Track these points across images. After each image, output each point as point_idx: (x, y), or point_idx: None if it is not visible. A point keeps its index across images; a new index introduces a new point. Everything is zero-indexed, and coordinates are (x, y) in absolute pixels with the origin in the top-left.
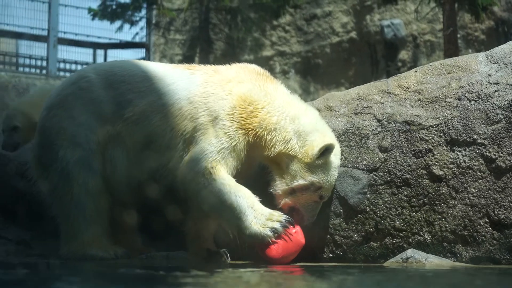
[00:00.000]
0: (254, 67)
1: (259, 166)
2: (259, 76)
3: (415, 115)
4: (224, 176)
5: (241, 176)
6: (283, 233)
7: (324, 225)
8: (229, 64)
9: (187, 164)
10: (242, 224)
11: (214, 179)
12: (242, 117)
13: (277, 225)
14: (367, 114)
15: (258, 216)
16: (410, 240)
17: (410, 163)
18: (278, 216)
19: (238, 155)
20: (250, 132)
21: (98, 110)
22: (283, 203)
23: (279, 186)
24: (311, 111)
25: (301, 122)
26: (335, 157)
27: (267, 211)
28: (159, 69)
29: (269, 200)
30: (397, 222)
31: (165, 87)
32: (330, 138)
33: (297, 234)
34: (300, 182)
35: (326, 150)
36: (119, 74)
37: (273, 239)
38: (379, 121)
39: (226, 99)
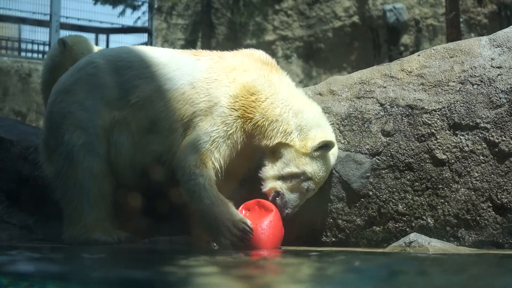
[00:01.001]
0: (260, 54)
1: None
2: (264, 65)
3: (418, 99)
4: (206, 174)
5: (235, 177)
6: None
7: (326, 209)
8: (233, 49)
9: (182, 150)
10: (215, 232)
11: (195, 173)
12: (243, 106)
13: (235, 239)
14: (369, 98)
15: (226, 234)
16: (413, 224)
17: (413, 147)
18: (244, 223)
19: (233, 143)
20: (250, 121)
21: (104, 95)
22: (269, 187)
23: (269, 171)
24: (315, 106)
25: (304, 116)
26: (332, 156)
27: (238, 216)
28: (165, 55)
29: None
30: (400, 206)
31: (170, 73)
32: (331, 136)
33: (274, 225)
34: (292, 169)
35: (326, 146)
36: (126, 60)
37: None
38: (381, 105)
39: (229, 86)
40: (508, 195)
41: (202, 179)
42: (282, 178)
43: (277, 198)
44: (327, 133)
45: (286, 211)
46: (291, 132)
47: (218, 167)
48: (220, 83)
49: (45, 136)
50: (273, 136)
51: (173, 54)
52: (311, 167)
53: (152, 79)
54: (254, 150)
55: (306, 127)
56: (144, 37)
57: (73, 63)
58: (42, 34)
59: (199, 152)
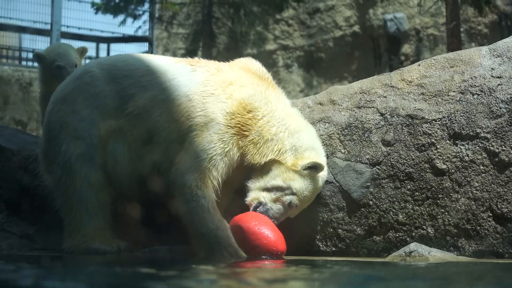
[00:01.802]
0: (256, 68)
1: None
2: (261, 80)
3: (418, 109)
4: (206, 194)
5: (231, 187)
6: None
7: (327, 219)
8: (232, 59)
9: (179, 167)
10: (211, 251)
11: (197, 194)
12: (239, 123)
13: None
14: (370, 108)
15: (228, 248)
16: (413, 234)
17: (413, 157)
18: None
19: (230, 160)
20: (245, 138)
21: (101, 104)
22: (252, 197)
23: (256, 182)
24: (311, 128)
25: (300, 137)
26: (320, 180)
27: (236, 246)
28: (162, 63)
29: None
30: (400, 216)
31: (166, 82)
32: (323, 160)
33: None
34: (278, 182)
35: (315, 167)
36: (122, 69)
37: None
38: (382, 114)
39: (226, 103)
40: (508, 205)
41: (204, 201)
42: (267, 189)
43: (258, 208)
44: (320, 156)
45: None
46: (285, 152)
47: (216, 185)
48: (217, 98)
49: (44, 146)
50: (266, 154)
51: (169, 62)
52: (298, 184)
53: (148, 88)
54: (240, 172)
55: (301, 148)
56: (145, 46)
57: (54, 74)
58: (43, 43)
59: (198, 170)
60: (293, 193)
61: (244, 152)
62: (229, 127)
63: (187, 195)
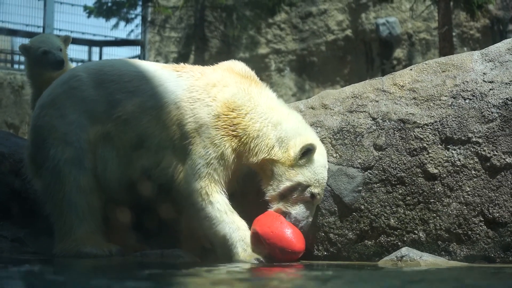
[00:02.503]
0: (240, 68)
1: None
2: (244, 78)
3: (410, 113)
4: (219, 199)
5: (233, 178)
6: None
7: (318, 223)
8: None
9: (184, 180)
10: (230, 253)
11: (210, 201)
12: (226, 124)
13: (262, 257)
14: (362, 112)
15: (247, 248)
16: (405, 239)
17: (405, 161)
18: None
19: (226, 162)
20: (235, 138)
21: (89, 108)
22: (274, 209)
23: (269, 192)
24: (293, 115)
25: (283, 127)
26: (321, 156)
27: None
28: (148, 69)
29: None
30: (392, 221)
31: (154, 89)
32: (312, 139)
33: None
34: (286, 184)
35: (308, 150)
36: (109, 73)
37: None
38: (374, 119)
39: (211, 106)
40: (499, 210)
41: (219, 206)
42: (282, 196)
43: (285, 217)
44: (307, 138)
45: (300, 225)
46: (273, 146)
47: (222, 188)
48: (203, 103)
49: (31, 151)
50: (257, 153)
51: (155, 68)
52: (303, 176)
53: (136, 94)
54: (241, 165)
55: (286, 138)
56: (137, 50)
57: (41, 61)
58: None
59: (200, 177)
60: (306, 186)
61: (239, 154)
62: (217, 129)
63: (199, 204)
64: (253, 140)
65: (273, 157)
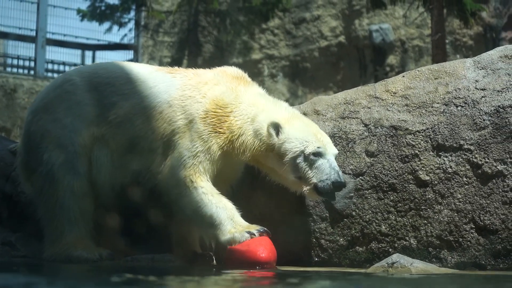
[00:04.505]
0: (232, 70)
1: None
2: (234, 78)
3: (402, 120)
4: (204, 184)
5: (225, 180)
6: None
7: (310, 229)
8: (216, 67)
9: (168, 171)
10: (220, 232)
11: (195, 187)
12: (213, 121)
13: (254, 231)
14: (354, 118)
15: (236, 226)
16: (396, 245)
17: (397, 168)
18: (255, 226)
19: (212, 157)
20: (222, 136)
21: (83, 112)
22: (307, 193)
23: (288, 184)
24: (271, 105)
25: (259, 120)
26: (295, 121)
27: (245, 223)
28: (142, 71)
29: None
30: (383, 227)
31: (147, 90)
32: (274, 117)
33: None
34: (288, 167)
35: (274, 127)
36: (103, 76)
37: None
38: (366, 125)
39: (201, 102)
40: (490, 217)
41: (205, 190)
42: (298, 179)
43: (316, 193)
44: (269, 118)
45: (327, 182)
46: (254, 142)
47: (207, 178)
48: (194, 100)
49: (23, 157)
50: (243, 151)
51: (149, 70)
52: (290, 150)
53: (130, 96)
54: (234, 168)
55: (261, 128)
56: (130, 54)
57: None
58: (27, 50)
59: (186, 167)
60: (302, 154)
61: (227, 152)
62: (205, 125)
63: (184, 191)
64: (237, 139)
65: (260, 150)
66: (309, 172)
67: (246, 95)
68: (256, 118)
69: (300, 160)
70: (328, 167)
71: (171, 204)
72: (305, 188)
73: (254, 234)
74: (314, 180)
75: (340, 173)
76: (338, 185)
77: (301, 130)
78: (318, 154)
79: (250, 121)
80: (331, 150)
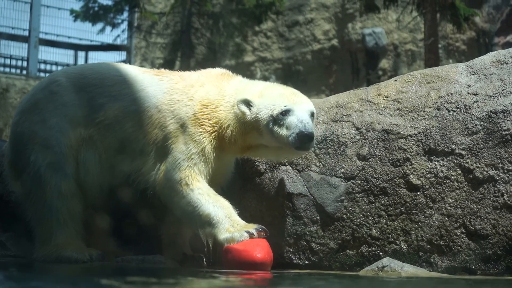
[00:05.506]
0: (218, 70)
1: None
2: (219, 76)
3: (394, 124)
4: (200, 185)
5: (216, 182)
6: (257, 235)
7: (300, 232)
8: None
9: (163, 175)
10: (218, 231)
11: (191, 189)
12: (202, 121)
13: (252, 230)
14: (346, 122)
15: (234, 225)
16: (386, 249)
17: (388, 172)
18: (253, 225)
19: (207, 158)
20: (213, 134)
21: (69, 113)
22: (290, 153)
23: (283, 156)
24: (244, 87)
25: (235, 103)
26: (269, 89)
27: (243, 222)
28: (130, 73)
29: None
30: (374, 231)
31: (136, 93)
32: (248, 93)
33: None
34: (269, 137)
35: (245, 104)
36: (90, 77)
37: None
38: (358, 129)
39: (189, 105)
40: (481, 222)
41: (202, 191)
42: (283, 144)
43: (300, 143)
44: (240, 96)
45: (301, 129)
46: (235, 127)
47: (203, 179)
48: (182, 103)
49: (11, 158)
50: (235, 140)
51: (137, 72)
52: (261, 116)
53: (118, 99)
54: (224, 168)
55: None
56: (123, 55)
57: None
58: (20, 50)
59: (181, 170)
60: (271, 119)
61: (221, 148)
62: (196, 126)
63: (180, 193)
64: (226, 131)
65: (245, 133)
66: (282, 132)
67: (229, 88)
68: (234, 103)
69: (271, 124)
70: (296, 121)
71: (168, 207)
72: (293, 140)
73: (253, 234)
74: (288, 138)
75: (308, 124)
76: (302, 136)
77: (270, 96)
78: (286, 113)
79: (231, 108)
80: (301, 106)
